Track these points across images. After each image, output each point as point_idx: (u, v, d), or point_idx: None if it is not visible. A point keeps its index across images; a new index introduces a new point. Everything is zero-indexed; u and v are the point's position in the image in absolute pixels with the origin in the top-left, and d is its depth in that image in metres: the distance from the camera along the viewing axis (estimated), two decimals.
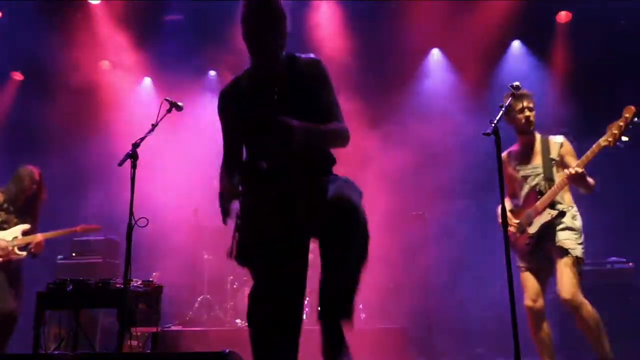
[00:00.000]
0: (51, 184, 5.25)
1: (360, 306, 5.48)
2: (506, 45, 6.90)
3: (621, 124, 3.38)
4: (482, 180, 5.51)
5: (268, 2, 2.47)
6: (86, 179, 6.61)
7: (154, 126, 3.42)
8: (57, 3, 6.61)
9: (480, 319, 5.57)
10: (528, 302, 3.72)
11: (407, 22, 6.65)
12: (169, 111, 3.54)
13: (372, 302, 5.57)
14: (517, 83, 3.12)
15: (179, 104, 3.58)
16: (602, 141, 3.43)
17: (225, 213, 2.36)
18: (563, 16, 6.61)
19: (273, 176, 2.34)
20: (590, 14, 6.27)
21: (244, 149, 2.56)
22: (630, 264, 5.22)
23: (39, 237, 4.69)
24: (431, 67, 7.20)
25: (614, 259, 5.26)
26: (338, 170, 2.55)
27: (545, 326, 3.70)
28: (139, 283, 3.78)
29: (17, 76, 7.06)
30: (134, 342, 4.50)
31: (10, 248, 4.60)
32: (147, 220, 3.22)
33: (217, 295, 6.10)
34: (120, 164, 3.24)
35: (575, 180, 3.56)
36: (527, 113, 3.81)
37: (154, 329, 3.82)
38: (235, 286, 5.96)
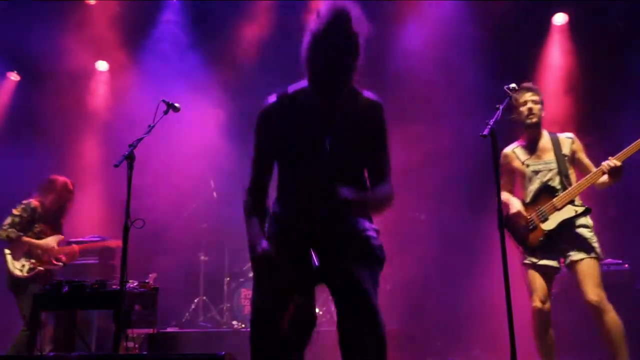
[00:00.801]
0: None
1: None
2: (503, 47, 6.92)
3: None
4: (480, 182, 5.52)
5: (348, 26, 2.12)
6: (81, 180, 6.58)
7: (150, 127, 3.42)
8: (54, 3, 6.59)
9: (477, 321, 5.57)
10: (537, 303, 3.62)
11: (402, 24, 6.68)
12: (165, 112, 3.53)
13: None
14: (513, 85, 3.13)
15: (176, 105, 3.58)
16: None
17: (256, 254, 2.18)
18: (559, 18, 6.63)
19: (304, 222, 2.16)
20: (587, 16, 6.28)
21: (279, 172, 2.33)
22: (626, 265, 5.23)
23: (75, 247, 4.81)
24: (428, 68, 7.21)
25: (609, 260, 5.27)
26: None
27: (550, 330, 3.63)
28: (135, 284, 3.78)
29: (14, 76, 7.03)
30: (130, 344, 4.49)
31: (50, 256, 4.69)
32: (144, 221, 3.21)
33: (213, 296, 6.09)
34: (116, 165, 3.23)
35: (614, 174, 3.50)
36: (530, 105, 3.79)
37: (150, 331, 3.82)
38: (231, 288, 5.95)
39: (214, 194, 6.43)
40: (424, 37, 6.76)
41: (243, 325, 5.45)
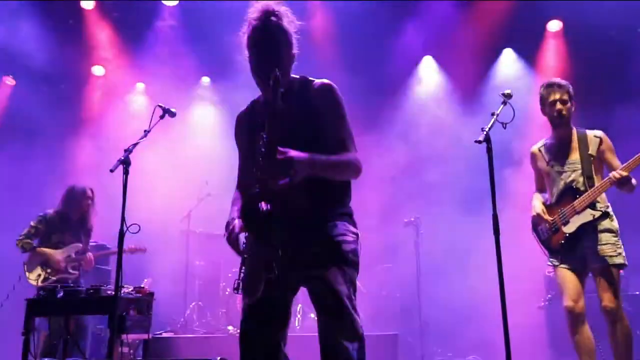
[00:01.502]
0: (43, 188, 5.24)
1: None
2: (497, 53, 6.97)
3: None
4: (475, 186, 5.53)
5: (268, 28, 2.28)
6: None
7: (146, 132, 3.42)
8: (51, 7, 6.60)
9: (473, 326, 5.58)
10: (569, 302, 3.50)
11: (401, 29, 6.71)
12: (161, 117, 3.53)
13: (364, 308, 5.56)
14: (508, 91, 3.13)
15: (172, 110, 3.58)
16: None
17: (235, 249, 2.29)
18: (554, 25, 6.68)
19: (273, 218, 2.13)
20: (581, 23, 6.33)
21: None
22: (620, 271, 5.25)
23: (90, 255, 4.80)
24: (423, 73, 7.25)
25: None
26: None
27: (586, 329, 3.51)
28: (130, 289, 3.77)
29: (9, 81, 7.02)
30: (125, 349, 4.46)
31: (64, 265, 4.67)
32: (139, 226, 3.21)
33: (209, 301, 6.08)
34: (112, 170, 3.23)
35: (620, 185, 3.44)
36: (559, 106, 3.66)
37: (145, 336, 3.80)
38: (227, 292, 5.94)
39: (209, 198, 6.43)
40: (422, 38, 6.81)
41: (238, 331, 5.43)
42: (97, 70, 7.20)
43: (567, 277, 3.56)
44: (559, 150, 3.73)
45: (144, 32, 6.96)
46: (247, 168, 2.40)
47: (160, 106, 3.55)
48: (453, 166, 6.27)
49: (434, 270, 5.85)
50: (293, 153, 2.11)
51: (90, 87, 7.22)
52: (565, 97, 3.67)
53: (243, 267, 2.20)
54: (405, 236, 5.94)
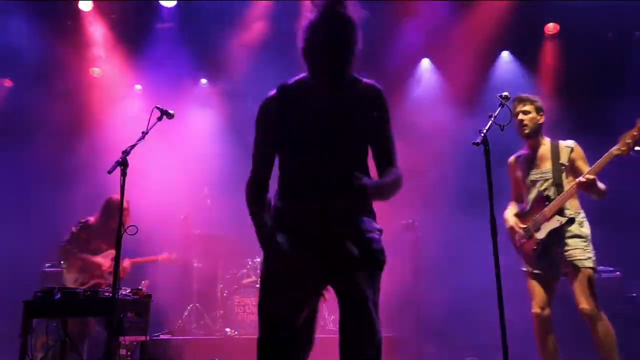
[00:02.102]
0: (40, 190, 5.23)
1: None
2: (495, 55, 6.98)
3: (635, 133, 3.41)
4: (473, 189, 5.54)
5: (345, 11, 2.16)
6: (74, 186, 6.56)
7: (144, 134, 3.42)
8: (49, 8, 6.59)
9: (471, 327, 5.58)
10: (536, 309, 3.69)
11: (398, 31, 6.72)
12: (159, 119, 3.54)
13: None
14: (505, 93, 3.15)
15: (170, 111, 3.58)
16: (615, 150, 3.46)
17: (271, 247, 2.19)
18: (551, 27, 6.70)
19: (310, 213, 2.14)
20: (578, 25, 6.35)
21: (281, 166, 2.31)
22: (617, 273, 5.27)
23: (126, 262, 5.06)
24: (421, 76, 7.26)
25: (601, 268, 5.30)
26: None
27: (552, 336, 3.67)
28: (127, 291, 3.77)
29: (7, 83, 7.02)
30: (123, 351, 4.46)
31: (103, 271, 4.82)
32: (137, 228, 3.21)
33: (206, 303, 6.07)
34: (110, 172, 3.23)
35: (586, 188, 3.56)
36: (520, 117, 3.85)
37: (142, 338, 3.79)
38: (225, 295, 5.93)
39: (208, 200, 6.42)
40: (420, 40, 6.82)
41: (236, 333, 5.43)
42: (95, 71, 7.19)
43: (534, 286, 3.74)
44: (532, 160, 3.90)
45: (142, 34, 6.96)
46: (268, 159, 2.30)
47: (158, 108, 3.55)
48: (451, 168, 6.27)
49: (432, 271, 5.85)
50: (367, 181, 2.07)
51: (87, 89, 7.21)
52: (527, 108, 3.86)
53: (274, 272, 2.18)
54: (403, 238, 5.94)
